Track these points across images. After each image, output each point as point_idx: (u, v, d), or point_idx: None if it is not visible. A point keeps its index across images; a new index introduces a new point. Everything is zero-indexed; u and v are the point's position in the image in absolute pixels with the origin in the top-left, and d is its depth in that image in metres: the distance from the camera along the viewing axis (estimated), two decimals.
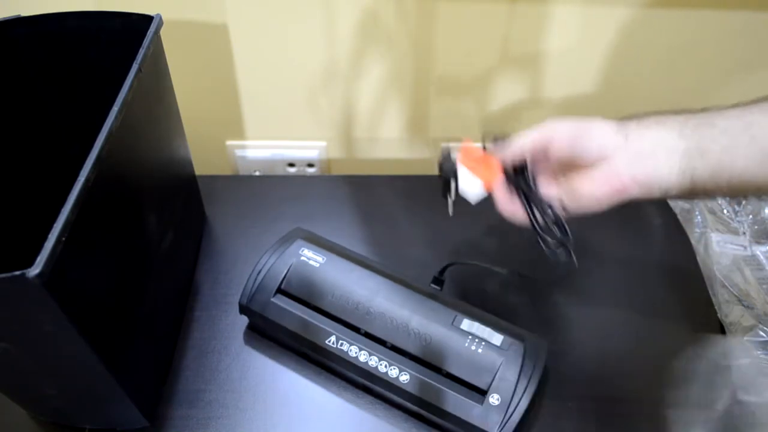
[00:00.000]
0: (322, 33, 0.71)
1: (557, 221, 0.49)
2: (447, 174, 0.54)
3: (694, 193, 0.45)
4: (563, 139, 0.47)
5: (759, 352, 0.58)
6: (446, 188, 0.55)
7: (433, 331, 0.53)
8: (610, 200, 0.46)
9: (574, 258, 0.49)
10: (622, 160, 0.45)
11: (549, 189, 0.50)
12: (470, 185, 0.53)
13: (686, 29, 0.72)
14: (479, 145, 0.54)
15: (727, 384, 0.56)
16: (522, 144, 0.49)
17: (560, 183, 0.49)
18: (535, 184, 0.50)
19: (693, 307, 0.64)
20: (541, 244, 0.49)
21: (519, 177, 0.51)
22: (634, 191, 0.45)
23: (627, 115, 0.47)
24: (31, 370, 0.43)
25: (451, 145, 0.55)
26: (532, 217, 0.50)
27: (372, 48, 0.73)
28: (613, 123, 0.46)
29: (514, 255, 0.60)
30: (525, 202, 0.50)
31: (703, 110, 0.46)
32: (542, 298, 0.65)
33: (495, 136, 0.53)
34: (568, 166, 0.48)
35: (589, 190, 0.46)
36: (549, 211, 0.49)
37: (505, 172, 0.51)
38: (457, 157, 0.54)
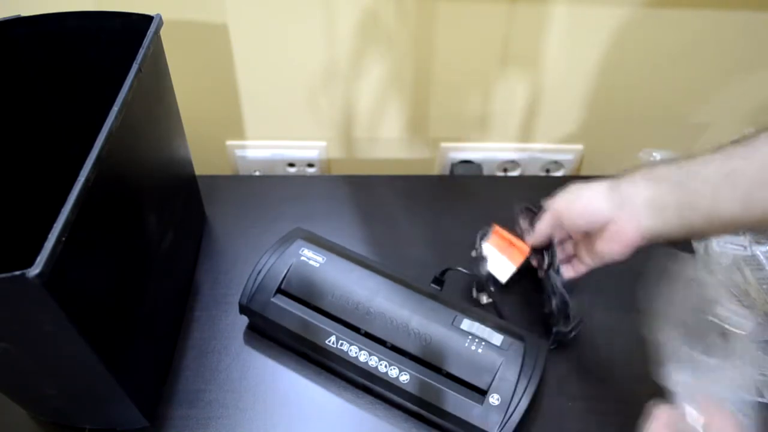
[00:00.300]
0: (322, 33, 0.71)
1: (565, 309, 0.59)
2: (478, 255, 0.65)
3: (695, 236, 0.51)
4: (571, 218, 0.54)
5: (759, 353, 0.59)
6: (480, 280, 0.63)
7: (433, 331, 0.53)
8: (624, 253, 0.52)
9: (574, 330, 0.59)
10: (624, 221, 0.50)
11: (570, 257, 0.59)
12: (500, 267, 0.63)
13: (687, 29, 0.72)
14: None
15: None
16: (538, 231, 0.58)
17: (583, 246, 0.57)
18: (556, 271, 0.59)
19: None
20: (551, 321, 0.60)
21: (544, 258, 0.61)
22: (644, 242, 0.50)
23: (618, 171, 0.53)
24: (31, 370, 0.43)
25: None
26: (548, 303, 0.60)
27: (372, 48, 0.73)
28: (606, 187, 0.52)
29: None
30: (545, 285, 0.60)
31: (689, 158, 0.49)
32: (542, 297, 0.65)
33: (527, 207, 0.64)
34: (587, 231, 0.55)
35: (607, 250, 0.52)
36: (561, 300, 0.59)
37: (533, 251, 0.62)
38: (486, 243, 0.65)
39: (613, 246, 0.51)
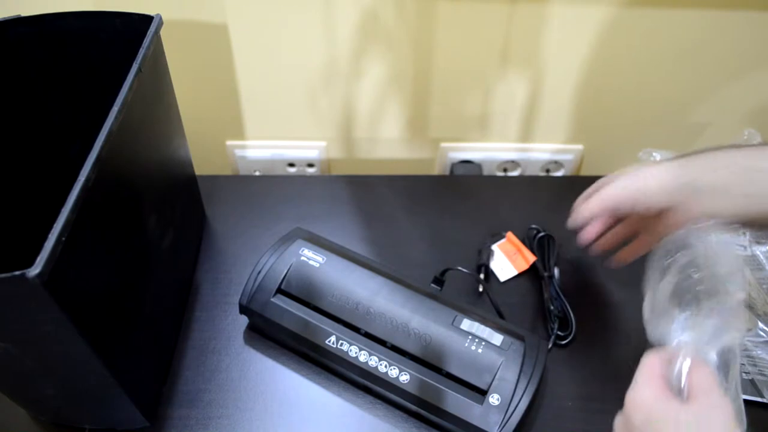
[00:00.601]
0: (322, 33, 0.71)
1: (564, 312, 0.62)
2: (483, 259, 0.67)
3: (758, 223, 0.48)
4: (625, 204, 0.51)
5: (759, 351, 0.59)
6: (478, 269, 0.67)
7: (433, 331, 0.53)
8: None
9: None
10: (687, 205, 0.48)
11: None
12: (501, 267, 0.67)
13: (687, 29, 0.72)
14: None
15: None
16: (587, 210, 0.54)
17: (641, 227, 0.55)
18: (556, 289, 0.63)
19: None
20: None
21: (546, 274, 0.65)
22: (707, 223, 0.48)
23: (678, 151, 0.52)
24: (31, 370, 0.43)
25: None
26: (548, 305, 0.63)
27: (372, 48, 0.73)
28: (665, 171, 0.49)
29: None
30: (546, 288, 0.63)
31: (752, 147, 0.48)
32: (542, 299, 0.65)
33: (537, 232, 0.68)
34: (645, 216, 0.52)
35: (667, 233, 0.50)
36: (560, 303, 0.62)
37: (536, 266, 0.66)
38: (497, 246, 0.69)
39: (671, 228, 0.49)
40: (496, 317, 0.58)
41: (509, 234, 0.70)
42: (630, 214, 0.53)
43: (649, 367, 0.41)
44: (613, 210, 0.52)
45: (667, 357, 0.41)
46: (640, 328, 0.63)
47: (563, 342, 0.60)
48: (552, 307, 0.62)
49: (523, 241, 0.69)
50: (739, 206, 0.46)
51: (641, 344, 0.61)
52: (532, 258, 0.66)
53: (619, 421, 0.41)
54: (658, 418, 0.38)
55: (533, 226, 0.71)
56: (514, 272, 0.66)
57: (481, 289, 0.64)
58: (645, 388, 0.40)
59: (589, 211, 0.54)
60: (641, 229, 0.56)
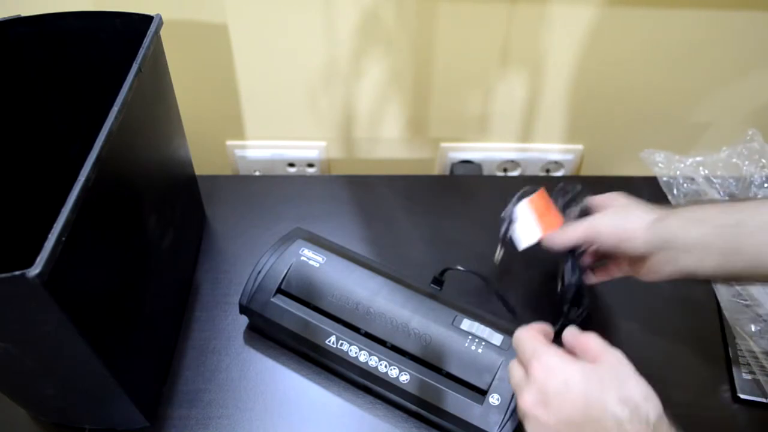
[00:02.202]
0: (323, 33, 0.71)
1: (580, 290, 0.57)
2: (507, 216, 0.61)
3: (735, 280, 0.51)
4: (607, 242, 0.52)
5: (758, 350, 0.59)
6: (506, 231, 0.61)
7: (433, 331, 0.53)
8: (657, 282, 0.51)
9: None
10: (664, 258, 0.49)
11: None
12: (527, 231, 0.59)
13: (687, 29, 0.72)
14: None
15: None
16: (570, 236, 0.54)
17: (615, 262, 0.56)
18: (580, 269, 0.57)
19: (695, 306, 0.64)
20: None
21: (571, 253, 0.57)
22: (678, 278, 0.50)
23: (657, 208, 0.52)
24: (31, 370, 0.43)
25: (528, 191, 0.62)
26: (562, 282, 0.58)
27: (372, 48, 0.73)
28: (650, 221, 0.50)
29: (514, 255, 0.60)
30: (564, 265, 0.58)
31: (735, 201, 0.50)
32: (541, 297, 0.65)
33: (566, 189, 0.61)
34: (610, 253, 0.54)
35: (640, 276, 0.53)
36: (578, 281, 0.57)
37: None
38: (527, 201, 0.61)
39: (649, 275, 0.51)
40: (496, 317, 0.58)
41: (542, 190, 0.61)
42: (610, 251, 0.54)
43: (536, 339, 0.43)
44: (594, 242, 0.53)
45: (541, 329, 0.45)
46: (640, 325, 0.63)
47: (575, 319, 0.57)
48: (570, 281, 0.57)
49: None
50: (716, 264, 0.47)
51: (643, 343, 0.61)
52: (561, 220, 0.58)
53: (529, 400, 0.40)
54: (577, 377, 0.39)
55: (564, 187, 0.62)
56: (538, 235, 0.58)
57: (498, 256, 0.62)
58: (550, 355, 0.41)
59: (570, 238, 0.54)
60: (616, 263, 0.56)
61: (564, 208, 0.60)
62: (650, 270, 0.51)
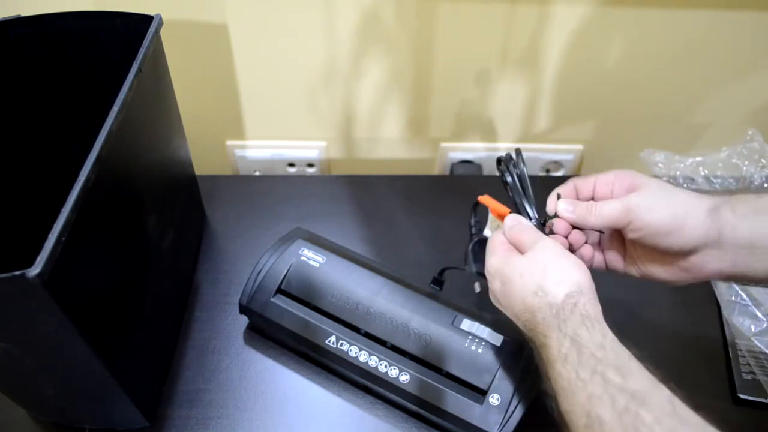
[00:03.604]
0: (322, 33, 0.71)
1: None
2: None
3: None
4: (652, 232, 0.42)
5: (758, 350, 0.59)
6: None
7: (433, 331, 0.53)
8: (689, 283, 0.44)
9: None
10: (712, 256, 0.41)
11: (616, 261, 0.48)
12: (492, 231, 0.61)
13: (687, 29, 0.72)
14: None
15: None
16: (602, 215, 0.44)
17: (632, 262, 0.47)
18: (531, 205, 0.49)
19: (695, 306, 0.64)
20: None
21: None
22: (715, 279, 0.43)
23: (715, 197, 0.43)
24: (31, 370, 0.43)
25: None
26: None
27: (372, 48, 0.73)
28: (706, 213, 0.41)
29: None
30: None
31: None
32: None
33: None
34: (640, 243, 0.44)
35: (666, 278, 0.45)
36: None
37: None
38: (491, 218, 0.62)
39: (679, 276, 0.43)
40: (496, 317, 0.58)
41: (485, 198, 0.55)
42: (646, 242, 0.43)
43: (493, 240, 0.47)
44: (633, 222, 0.43)
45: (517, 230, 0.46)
46: (640, 324, 0.63)
47: None
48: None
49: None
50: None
51: (643, 343, 0.61)
52: (506, 210, 0.51)
53: (492, 299, 0.47)
54: (508, 274, 0.43)
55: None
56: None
57: (478, 290, 0.61)
58: (492, 257, 0.46)
59: (603, 217, 0.44)
60: (637, 255, 0.47)
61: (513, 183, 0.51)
62: (694, 268, 0.42)
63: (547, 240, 0.44)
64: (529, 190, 0.49)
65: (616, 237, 0.48)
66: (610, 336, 0.39)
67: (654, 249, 0.43)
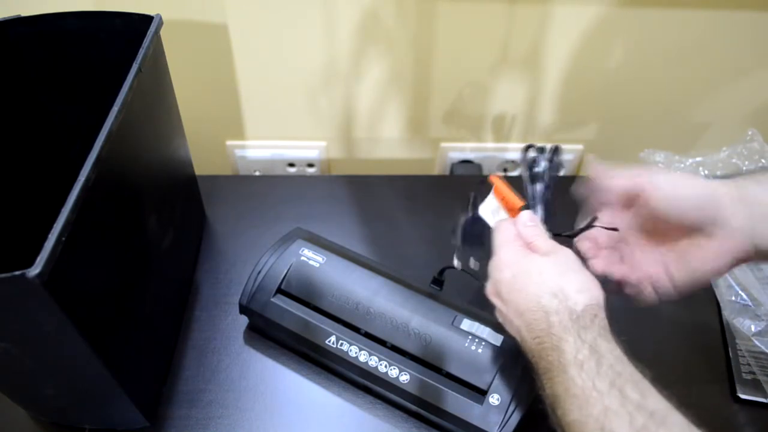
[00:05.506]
0: (322, 33, 0.71)
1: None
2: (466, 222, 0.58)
3: None
4: (685, 210, 0.41)
5: (758, 350, 0.59)
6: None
7: (433, 331, 0.53)
8: (728, 270, 0.41)
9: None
10: (743, 227, 0.39)
11: (650, 259, 0.45)
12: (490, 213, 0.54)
13: (687, 29, 0.72)
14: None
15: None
16: (619, 180, 0.44)
17: (665, 253, 0.44)
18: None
19: (695, 306, 0.64)
20: None
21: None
22: (755, 258, 0.40)
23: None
24: (31, 370, 0.43)
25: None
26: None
27: (372, 48, 0.73)
28: (730, 186, 0.40)
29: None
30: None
31: None
32: None
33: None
34: (675, 225, 0.42)
35: (708, 263, 0.41)
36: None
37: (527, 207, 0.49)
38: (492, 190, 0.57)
39: (720, 259, 0.40)
40: (496, 317, 0.58)
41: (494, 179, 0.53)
42: (660, 216, 0.42)
43: (504, 230, 0.46)
44: (643, 200, 0.43)
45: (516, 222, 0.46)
46: (639, 324, 0.63)
47: None
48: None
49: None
50: None
51: (642, 343, 0.61)
52: (519, 203, 0.49)
53: (489, 290, 0.46)
54: (526, 269, 0.43)
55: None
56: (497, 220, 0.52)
57: (476, 267, 0.56)
58: (507, 248, 0.45)
59: (619, 182, 0.44)
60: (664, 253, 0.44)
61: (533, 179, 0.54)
62: (725, 247, 0.40)
63: (568, 250, 0.43)
64: (550, 193, 0.51)
65: (647, 246, 0.46)
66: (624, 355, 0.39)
67: (679, 230, 0.42)
